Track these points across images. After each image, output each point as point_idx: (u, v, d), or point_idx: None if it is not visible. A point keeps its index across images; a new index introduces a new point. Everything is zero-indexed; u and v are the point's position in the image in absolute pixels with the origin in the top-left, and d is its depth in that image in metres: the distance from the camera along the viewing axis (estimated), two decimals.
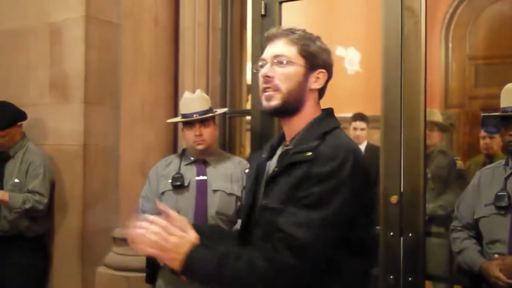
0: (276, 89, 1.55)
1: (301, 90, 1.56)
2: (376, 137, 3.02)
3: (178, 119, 2.94)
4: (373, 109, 3.13)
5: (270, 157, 1.66)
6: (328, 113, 1.62)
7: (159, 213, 2.84)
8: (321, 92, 1.62)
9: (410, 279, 2.71)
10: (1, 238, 3.25)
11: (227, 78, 3.52)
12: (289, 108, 1.57)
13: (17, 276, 3.22)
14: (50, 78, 3.52)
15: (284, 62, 1.55)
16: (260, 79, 1.59)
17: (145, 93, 3.31)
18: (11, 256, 3.24)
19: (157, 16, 3.33)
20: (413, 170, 2.72)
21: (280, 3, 3.19)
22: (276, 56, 1.56)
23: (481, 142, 3.92)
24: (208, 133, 2.81)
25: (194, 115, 2.78)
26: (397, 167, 2.75)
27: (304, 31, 1.59)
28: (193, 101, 2.83)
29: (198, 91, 2.93)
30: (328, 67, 1.60)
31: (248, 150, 3.69)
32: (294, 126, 1.59)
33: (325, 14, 5.33)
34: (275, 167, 1.56)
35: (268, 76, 1.56)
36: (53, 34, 3.51)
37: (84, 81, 3.38)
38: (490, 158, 3.78)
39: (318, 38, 1.60)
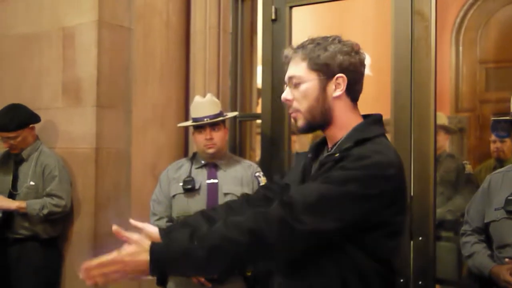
0: (297, 110, 1.57)
1: (322, 103, 1.54)
2: None
3: (189, 123, 2.96)
4: (383, 113, 3.12)
5: (316, 158, 1.66)
6: (373, 120, 1.59)
7: (170, 215, 2.88)
8: (352, 95, 1.57)
9: (420, 283, 2.71)
10: (15, 239, 3.29)
11: (237, 82, 3.54)
12: (316, 124, 1.57)
13: (30, 277, 3.25)
14: (63, 82, 3.56)
15: (296, 81, 1.55)
16: None
17: (156, 97, 3.34)
18: (25, 257, 3.27)
19: (168, 20, 3.36)
20: (423, 174, 2.73)
21: (291, 7, 3.21)
22: (290, 78, 1.57)
23: (492, 146, 3.91)
24: (219, 137, 2.83)
25: (205, 119, 2.80)
26: (407, 171, 2.75)
27: (315, 40, 1.56)
28: (204, 105, 2.85)
29: (208, 95, 2.95)
30: (348, 68, 1.54)
31: (258, 153, 3.70)
32: (334, 136, 1.59)
33: (335, 18, 5.33)
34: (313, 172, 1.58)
35: (288, 99, 1.58)
36: (66, 38, 3.54)
37: (96, 84, 3.41)
38: (501, 162, 3.77)
39: (333, 40, 1.55)
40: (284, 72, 3.20)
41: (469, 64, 5.59)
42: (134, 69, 3.47)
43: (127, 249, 1.39)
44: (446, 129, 4.01)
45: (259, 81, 3.48)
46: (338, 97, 1.55)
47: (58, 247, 3.47)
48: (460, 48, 5.62)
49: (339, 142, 1.55)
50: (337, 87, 1.54)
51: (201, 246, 1.35)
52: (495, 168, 3.39)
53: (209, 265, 1.38)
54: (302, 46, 1.57)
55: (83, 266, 1.38)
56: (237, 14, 3.54)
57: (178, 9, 3.39)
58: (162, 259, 1.37)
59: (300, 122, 1.57)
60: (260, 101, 3.42)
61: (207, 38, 3.43)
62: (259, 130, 3.43)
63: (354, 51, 1.56)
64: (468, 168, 3.83)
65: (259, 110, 3.48)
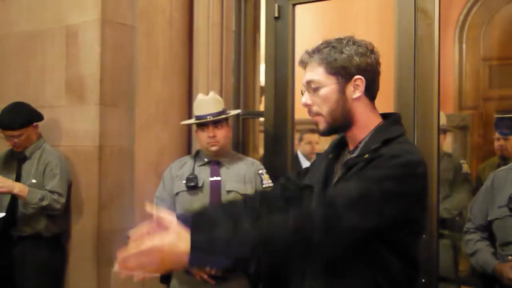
0: (318, 114, 1.58)
1: (342, 105, 1.56)
2: None
3: (192, 120, 2.96)
4: (386, 110, 3.13)
5: (337, 158, 1.68)
6: (393, 120, 1.61)
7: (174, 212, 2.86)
8: (370, 94, 1.59)
9: (423, 280, 2.71)
10: (19, 237, 3.29)
11: (240, 80, 3.54)
12: (338, 126, 1.58)
13: (34, 274, 3.25)
14: (66, 80, 3.56)
15: (314, 86, 1.56)
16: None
17: (159, 95, 3.34)
18: (29, 255, 3.27)
19: (171, 18, 3.36)
20: None
21: (294, 5, 3.20)
22: (308, 83, 1.58)
23: (495, 143, 3.90)
24: (222, 134, 2.83)
25: (208, 117, 2.80)
26: None
27: (330, 43, 1.57)
28: (207, 102, 2.85)
29: (211, 93, 2.95)
30: (366, 68, 1.55)
31: (261, 151, 3.70)
32: (355, 136, 1.60)
33: (338, 16, 5.33)
34: (340, 175, 1.57)
35: (307, 104, 1.59)
36: (69, 36, 3.55)
37: (100, 83, 3.41)
38: (505, 160, 3.76)
39: (348, 42, 1.56)
40: (287, 69, 3.22)
41: (473, 61, 5.58)
42: (137, 67, 3.47)
43: (166, 238, 1.32)
44: (443, 129, 3.99)
45: (262, 79, 3.48)
46: (357, 98, 1.56)
47: (62, 245, 3.48)
48: (464, 45, 5.61)
49: (363, 143, 1.57)
50: (356, 88, 1.55)
51: (244, 241, 1.32)
52: (499, 166, 3.38)
53: (251, 261, 1.37)
54: (317, 50, 1.57)
55: (120, 256, 1.30)
56: (240, 12, 3.54)
57: (181, 6, 3.39)
58: (202, 251, 1.31)
59: (322, 126, 1.58)
60: (263, 98, 3.42)
61: (210, 36, 3.43)
62: (262, 127, 3.43)
63: (369, 50, 1.57)
64: (465, 167, 3.82)
65: (262, 107, 3.48)
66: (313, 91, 1.57)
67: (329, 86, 1.55)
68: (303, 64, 1.61)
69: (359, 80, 1.55)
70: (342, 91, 1.55)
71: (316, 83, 1.55)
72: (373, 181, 1.41)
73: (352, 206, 1.38)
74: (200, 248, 1.31)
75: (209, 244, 1.32)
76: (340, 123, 1.57)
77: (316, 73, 1.56)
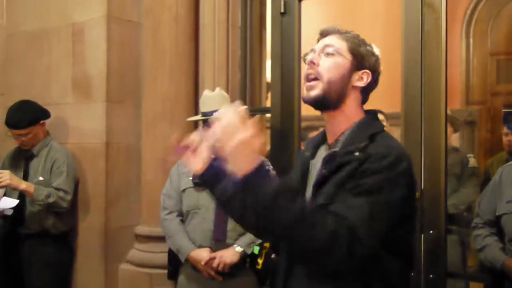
0: (318, 76, 1.56)
1: (343, 83, 1.57)
2: (396, 134, 3.00)
3: (198, 117, 2.96)
4: (393, 105, 3.11)
5: (313, 155, 1.66)
6: (373, 115, 1.63)
7: (180, 209, 2.88)
8: (364, 95, 1.62)
9: (431, 276, 2.70)
10: (27, 235, 3.31)
11: (246, 76, 3.53)
12: (329, 100, 1.56)
13: (42, 272, 3.27)
14: (73, 78, 3.57)
15: (332, 51, 1.57)
16: (306, 67, 1.60)
17: (165, 91, 3.34)
18: (36, 252, 3.29)
19: (177, 15, 3.35)
20: (434, 167, 2.71)
21: (299, 1, 3.19)
22: (326, 46, 1.59)
23: (504, 138, 3.88)
24: None
25: (214, 113, 2.79)
26: (418, 164, 2.73)
27: (357, 34, 1.63)
28: (213, 99, 2.85)
29: (217, 89, 2.95)
30: (374, 70, 1.61)
31: (267, 148, 3.70)
32: (337, 125, 1.60)
33: (345, 11, 5.31)
34: (323, 170, 1.53)
35: (313, 63, 1.57)
36: (75, 34, 3.56)
37: (106, 80, 3.42)
38: None
39: (369, 44, 1.63)
40: (293, 65, 3.21)
41: (480, 56, 5.56)
42: (144, 64, 3.47)
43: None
44: (451, 123, 3.97)
45: (268, 75, 3.47)
46: (356, 88, 1.59)
47: (69, 242, 3.49)
48: (471, 40, 5.58)
49: (344, 136, 1.57)
50: (360, 79, 1.59)
51: (286, 210, 1.27)
52: (507, 161, 3.36)
53: (274, 232, 1.32)
54: (344, 31, 1.62)
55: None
56: (246, 8, 3.53)
57: (186, 3, 3.39)
58: (250, 185, 1.28)
59: (316, 91, 1.55)
60: (269, 95, 3.41)
61: (216, 32, 3.42)
62: (268, 124, 3.43)
63: (379, 60, 1.63)
64: (472, 161, 3.79)
65: (268, 104, 3.47)
66: (327, 55, 1.58)
67: (344, 59, 1.57)
68: (326, 32, 1.63)
69: (366, 74, 1.59)
70: (350, 72, 1.58)
71: (336, 49, 1.58)
72: (374, 192, 1.39)
73: (369, 231, 1.35)
74: (249, 181, 1.28)
75: (258, 186, 1.28)
76: (332, 98, 1.56)
77: (339, 42, 1.59)
